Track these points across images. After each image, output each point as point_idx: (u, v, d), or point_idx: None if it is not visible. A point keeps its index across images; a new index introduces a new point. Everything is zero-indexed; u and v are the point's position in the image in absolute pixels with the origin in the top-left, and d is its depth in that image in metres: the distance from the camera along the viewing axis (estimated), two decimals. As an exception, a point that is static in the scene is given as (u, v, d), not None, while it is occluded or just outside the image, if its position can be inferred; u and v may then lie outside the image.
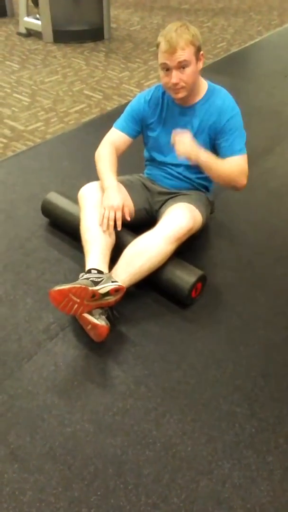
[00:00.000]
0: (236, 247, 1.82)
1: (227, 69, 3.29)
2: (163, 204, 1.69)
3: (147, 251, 1.45)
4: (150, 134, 1.67)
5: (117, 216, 1.49)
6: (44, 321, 1.45)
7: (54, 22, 4.13)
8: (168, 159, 1.67)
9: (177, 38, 1.39)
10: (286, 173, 2.21)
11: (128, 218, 1.52)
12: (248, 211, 2.01)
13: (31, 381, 1.28)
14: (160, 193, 1.71)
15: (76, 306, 1.28)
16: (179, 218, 1.51)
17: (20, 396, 1.25)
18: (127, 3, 5.46)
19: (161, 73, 1.48)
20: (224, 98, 1.55)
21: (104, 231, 1.50)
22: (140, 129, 1.69)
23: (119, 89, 3.48)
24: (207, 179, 1.70)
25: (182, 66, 1.42)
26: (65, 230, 1.78)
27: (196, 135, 1.53)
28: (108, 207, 1.50)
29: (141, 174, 1.80)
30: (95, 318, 1.32)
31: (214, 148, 1.58)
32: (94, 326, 1.31)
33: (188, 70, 1.44)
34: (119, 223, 1.50)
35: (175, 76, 1.43)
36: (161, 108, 1.61)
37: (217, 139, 1.54)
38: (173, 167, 1.68)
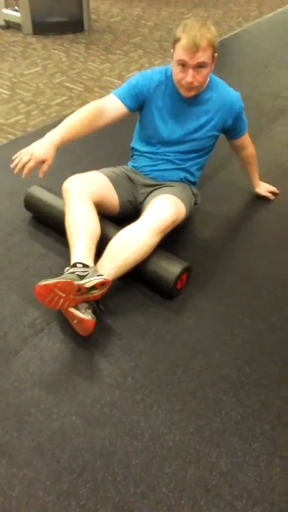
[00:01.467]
0: (220, 238, 1.84)
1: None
2: (147, 196, 1.69)
3: (132, 243, 1.44)
4: (148, 115, 1.64)
5: (28, 164, 1.36)
6: (29, 316, 1.44)
7: (33, 13, 4.04)
8: (159, 146, 1.67)
9: (201, 38, 1.38)
10: (267, 162, 2.23)
11: (41, 175, 1.40)
12: (231, 202, 2.03)
13: (18, 376, 1.27)
14: (145, 185, 1.71)
15: (61, 300, 1.27)
16: (163, 210, 1.51)
17: (7, 391, 1.24)
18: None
19: (176, 68, 1.46)
20: (227, 88, 1.63)
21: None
22: (140, 106, 1.62)
23: (100, 81, 3.44)
24: (193, 171, 1.71)
25: (200, 66, 1.43)
26: (49, 224, 1.76)
27: (192, 133, 1.61)
28: (27, 151, 1.39)
29: (125, 166, 1.79)
30: (81, 312, 1.31)
31: (219, 132, 1.67)
32: (80, 320, 1.31)
33: (204, 71, 1.46)
34: (26, 172, 1.38)
35: (192, 75, 1.44)
36: (163, 94, 1.58)
37: (230, 123, 1.65)
38: (163, 154, 1.68)
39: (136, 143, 1.78)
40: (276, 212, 1.97)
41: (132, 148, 1.80)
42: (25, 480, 1.07)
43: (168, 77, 1.57)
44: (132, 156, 1.81)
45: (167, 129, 1.63)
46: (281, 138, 2.48)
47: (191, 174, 1.73)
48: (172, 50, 1.48)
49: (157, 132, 1.65)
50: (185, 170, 1.71)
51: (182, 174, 1.71)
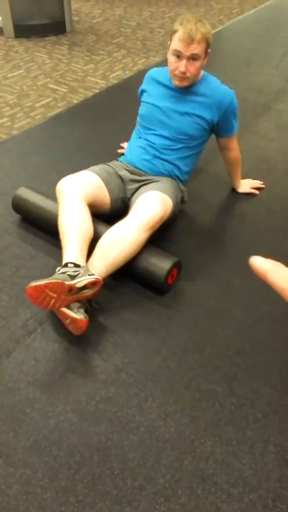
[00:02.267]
0: (210, 232, 1.86)
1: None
2: (134, 192, 1.71)
3: (121, 241, 1.45)
4: (144, 99, 1.76)
5: None
6: (21, 317, 1.44)
7: (14, 17, 4.03)
8: (149, 132, 1.73)
9: (196, 31, 1.49)
10: (253, 158, 2.25)
11: None
12: (220, 196, 2.05)
13: (12, 377, 1.28)
14: (132, 180, 1.72)
15: (53, 301, 1.28)
16: (150, 207, 1.52)
17: (1, 393, 1.24)
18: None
19: (172, 58, 1.57)
20: (221, 88, 1.69)
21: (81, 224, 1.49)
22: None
23: (84, 82, 3.45)
24: (180, 165, 1.74)
25: (193, 58, 1.53)
26: (38, 225, 1.76)
27: (183, 115, 1.67)
28: None
29: (114, 162, 1.80)
30: (74, 312, 1.32)
31: (209, 127, 1.70)
32: (73, 320, 1.31)
33: (197, 63, 1.56)
34: None
35: (185, 66, 1.54)
36: (159, 84, 1.72)
37: (217, 118, 1.68)
38: (152, 141, 1.72)
39: (130, 140, 1.84)
40: (265, 206, 1.99)
41: (127, 147, 1.85)
42: (22, 478, 1.08)
43: (164, 72, 1.70)
44: (128, 147, 1.87)
45: (159, 106, 1.70)
46: (266, 133, 2.52)
47: (178, 168, 1.74)
48: (169, 42, 1.59)
49: (148, 110, 1.72)
50: (171, 163, 1.72)
51: (169, 167, 1.73)
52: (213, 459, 1.13)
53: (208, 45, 1.56)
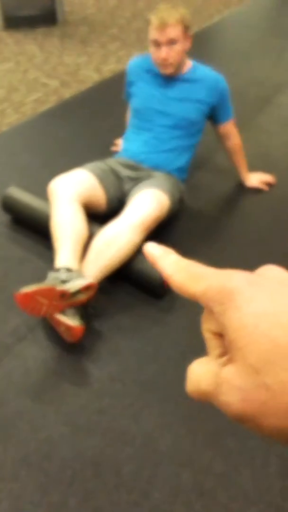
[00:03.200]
0: (208, 233, 1.80)
1: (189, 50, 3.22)
2: (130, 189, 1.65)
3: (116, 242, 1.40)
4: (136, 90, 1.73)
5: None
6: (11, 323, 1.38)
7: (3, 7, 3.93)
8: (145, 121, 1.71)
9: (168, 16, 1.51)
10: (254, 153, 2.19)
11: None
12: (218, 196, 1.99)
13: (1, 387, 1.23)
14: (129, 177, 1.68)
15: (44, 308, 1.23)
16: (145, 205, 1.47)
17: (-10, 404, 1.19)
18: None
19: (152, 49, 1.58)
20: (211, 72, 1.68)
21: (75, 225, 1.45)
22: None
23: (77, 75, 3.36)
24: (178, 154, 1.70)
25: (171, 42, 1.53)
26: (30, 226, 1.70)
27: (181, 100, 1.65)
28: None
29: (110, 159, 1.74)
30: (69, 318, 1.26)
31: (208, 110, 1.69)
32: (68, 327, 1.26)
33: (177, 47, 1.55)
34: None
35: (164, 51, 1.54)
36: (148, 74, 1.70)
37: (215, 101, 1.68)
38: (149, 130, 1.70)
39: (126, 135, 1.80)
40: (266, 205, 1.93)
41: (123, 144, 1.81)
42: (12, 493, 1.03)
43: (148, 59, 1.67)
44: (124, 138, 1.83)
45: (153, 95, 1.68)
46: (267, 127, 2.45)
47: (177, 159, 1.70)
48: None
49: (143, 101, 1.69)
50: (171, 153, 1.68)
51: (169, 158, 1.68)
52: (212, 472, 1.08)
53: (185, 27, 1.55)
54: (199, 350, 1.29)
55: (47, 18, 4.12)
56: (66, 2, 4.48)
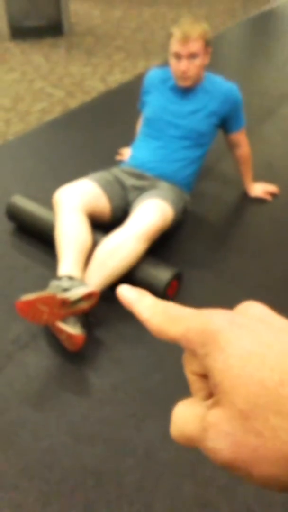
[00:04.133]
0: (211, 243, 1.80)
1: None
2: (134, 199, 1.66)
3: (119, 251, 1.40)
4: (151, 99, 1.76)
5: None
6: (13, 331, 1.38)
7: (10, 18, 3.99)
8: (155, 130, 1.73)
9: (191, 30, 1.54)
10: (257, 163, 2.20)
11: None
12: (222, 205, 2.00)
13: (2, 395, 1.22)
14: (134, 187, 1.68)
15: (46, 316, 1.23)
16: (149, 216, 1.47)
17: (-8, 412, 1.18)
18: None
19: (172, 60, 1.61)
20: (225, 82, 1.71)
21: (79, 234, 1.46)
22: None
23: (82, 85, 3.40)
24: (185, 164, 1.71)
25: (192, 56, 1.57)
26: (33, 234, 1.71)
27: (194, 113, 1.69)
28: None
29: (114, 168, 1.76)
30: (70, 327, 1.26)
31: (218, 121, 1.72)
32: (69, 336, 1.26)
33: (197, 61, 1.59)
34: None
35: (185, 65, 1.57)
36: (164, 86, 1.73)
37: (227, 110, 1.71)
38: (158, 139, 1.72)
39: (135, 143, 1.82)
40: (269, 215, 1.94)
41: (132, 151, 1.84)
42: (13, 503, 1.02)
43: (169, 73, 1.72)
44: (133, 147, 1.85)
45: (167, 107, 1.71)
46: (270, 138, 2.46)
47: (184, 170, 1.71)
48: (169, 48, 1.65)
49: (156, 111, 1.72)
50: (179, 163, 1.70)
51: (176, 168, 1.70)
52: (215, 484, 1.07)
53: (206, 43, 1.59)
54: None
55: (53, 29, 4.18)
56: (72, 13, 4.55)
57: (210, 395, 0.22)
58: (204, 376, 0.23)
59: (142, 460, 1.10)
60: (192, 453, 1.12)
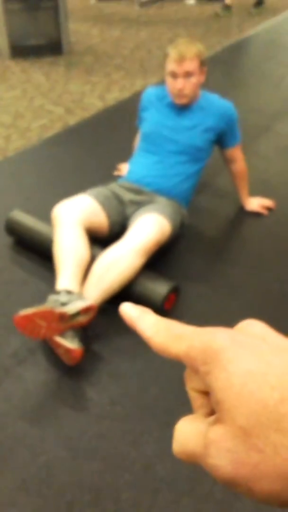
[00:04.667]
0: (208, 255, 1.82)
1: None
2: (132, 214, 1.68)
3: (117, 265, 1.42)
4: (147, 115, 1.81)
5: None
6: (11, 346, 1.39)
7: (10, 37, 4.08)
8: (152, 146, 1.77)
9: (186, 50, 1.59)
10: (253, 179, 2.23)
11: None
12: (219, 219, 2.02)
13: (0, 410, 1.22)
14: (132, 201, 1.71)
15: (43, 330, 1.23)
16: (147, 230, 1.49)
17: (-11, 427, 1.18)
18: (85, 16, 5.49)
19: (169, 79, 1.66)
20: (220, 100, 1.77)
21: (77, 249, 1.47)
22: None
23: (81, 103, 3.46)
24: (181, 179, 1.74)
25: (187, 75, 1.62)
26: (32, 248, 1.73)
27: (191, 129, 1.73)
28: None
29: (113, 184, 1.78)
30: (68, 341, 1.27)
31: (215, 136, 1.76)
32: (67, 350, 1.26)
33: (193, 80, 1.64)
34: None
35: (181, 83, 1.62)
36: (161, 103, 1.78)
37: (223, 126, 1.75)
38: (155, 154, 1.76)
39: (132, 158, 1.87)
40: (265, 230, 1.96)
41: (129, 166, 1.87)
42: (10, 522, 1.01)
43: (165, 91, 1.76)
44: (130, 162, 1.88)
45: (164, 123, 1.75)
46: (265, 154, 2.51)
47: (182, 184, 1.74)
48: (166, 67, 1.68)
49: (153, 127, 1.76)
50: (176, 178, 1.72)
51: (174, 183, 1.72)
52: (212, 499, 1.06)
53: (201, 62, 1.64)
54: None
55: (53, 48, 4.27)
56: (71, 32, 4.65)
57: (211, 412, 0.23)
58: (206, 393, 0.23)
59: (140, 476, 1.10)
60: (189, 469, 1.12)
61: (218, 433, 0.20)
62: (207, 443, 0.20)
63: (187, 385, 0.25)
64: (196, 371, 0.22)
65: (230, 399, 0.19)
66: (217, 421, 0.20)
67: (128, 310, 0.26)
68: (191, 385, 0.24)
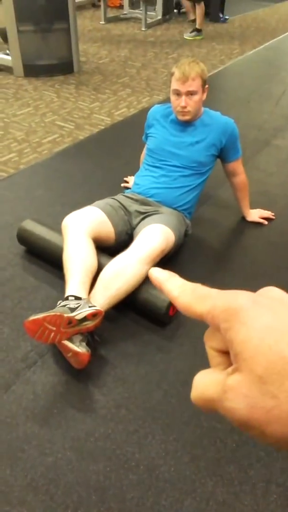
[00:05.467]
0: (209, 265, 1.87)
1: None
2: (138, 223, 1.74)
3: (123, 273, 1.47)
4: (153, 132, 1.89)
5: None
6: (22, 350, 1.44)
7: (23, 57, 4.24)
8: (157, 160, 1.84)
9: (190, 70, 1.68)
10: (254, 191, 2.29)
11: None
12: (220, 229, 2.08)
13: (10, 412, 1.27)
14: (138, 212, 1.77)
15: (52, 334, 1.28)
16: (152, 240, 1.55)
17: (-1, 428, 1.23)
18: (95, 37, 5.68)
19: (173, 97, 1.75)
20: (222, 117, 1.86)
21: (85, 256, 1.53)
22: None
23: (90, 119, 3.58)
24: (184, 192, 1.80)
25: (191, 93, 1.70)
26: (42, 256, 1.79)
27: (194, 145, 1.80)
28: None
29: (119, 196, 1.85)
30: (76, 345, 1.31)
31: (217, 151, 1.83)
32: (75, 354, 1.31)
33: (195, 98, 1.73)
34: None
35: (184, 101, 1.71)
36: (166, 120, 1.86)
37: (224, 142, 1.82)
38: (160, 168, 1.83)
39: (139, 171, 1.94)
40: (266, 240, 2.01)
41: (135, 179, 1.94)
42: (18, 519, 1.05)
43: (170, 109, 1.84)
44: (136, 176, 1.95)
45: (168, 139, 1.83)
46: (266, 167, 2.58)
47: (186, 197, 1.80)
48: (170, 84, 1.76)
49: (159, 143, 1.83)
50: (178, 189, 1.79)
51: (178, 195, 1.79)
52: (214, 500, 1.09)
53: (203, 81, 1.73)
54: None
55: (64, 67, 4.42)
56: (81, 53, 4.81)
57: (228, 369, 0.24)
58: (224, 353, 0.25)
59: (144, 477, 1.13)
60: (193, 469, 1.15)
61: (236, 380, 0.21)
62: (225, 389, 0.22)
63: (206, 344, 0.26)
64: (217, 328, 0.23)
65: (248, 351, 0.21)
66: (235, 370, 0.22)
67: (157, 273, 0.28)
68: (211, 344, 0.26)
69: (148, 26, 6.15)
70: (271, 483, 1.12)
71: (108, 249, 1.70)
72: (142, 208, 1.77)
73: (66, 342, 1.32)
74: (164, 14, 6.45)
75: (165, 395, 1.32)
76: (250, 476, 1.14)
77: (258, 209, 2.11)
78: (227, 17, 6.69)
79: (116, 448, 1.19)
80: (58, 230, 1.68)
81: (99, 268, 1.53)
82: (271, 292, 0.25)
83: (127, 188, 2.08)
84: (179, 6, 6.74)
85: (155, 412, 1.28)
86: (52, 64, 4.36)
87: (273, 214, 2.11)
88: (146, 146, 1.95)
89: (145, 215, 1.75)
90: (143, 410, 1.28)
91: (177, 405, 1.30)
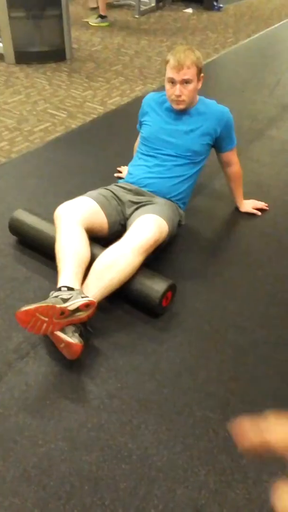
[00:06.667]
0: (204, 256, 1.87)
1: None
2: (132, 213, 1.73)
3: (116, 264, 1.46)
4: (147, 120, 1.86)
5: None
6: (14, 341, 1.43)
7: (15, 43, 4.16)
8: (151, 149, 1.82)
9: (185, 58, 1.64)
10: (247, 181, 2.28)
11: None
12: (214, 220, 2.07)
13: (2, 403, 1.26)
14: (131, 201, 1.75)
15: (45, 325, 1.27)
16: (145, 230, 1.54)
17: (-9, 419, 1.22)
18: (87, 24, 5.58)
19: (167, 85, 1.72)
20: (217, 105, 1.83)
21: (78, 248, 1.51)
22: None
23: (83, 107, 3.53)
24: (179, 182, 1.79)
25: (185, 82, 1.67)
26: (34, 247, 1.77)
27: (188, 133, 1.78)
28: None
29: (112, 186, 1.83)
30: (68, 336, 1.31)
31: (212, 141, 1.81)
32: (68, 344, 1.30)
33: (190, 86, 1.69)
34: None
35: (179, 89, 1.67)
36: (160, 107, 1.83)
37: (219, 131, 1.80)
38: (154, 158, 1.81)
39: (132, 160, 1.92)
40: (259, 230, 2.01)
41: (129, 168, 1.92)
42: (12, 508, 1.05)
43: (165, 97, 1.80)
44: (130, 166, 1.92)
45: (163, 127, 1.80)
46: (259, 158, 2.57)
47: (180, 187, 1.79)
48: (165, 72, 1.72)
49: (153, 131, 1.81)
50: (173, 178, 1.78)
51: (172, 185, 1.77)
52: (207, 489, 1.10)
53: (198, 70, 1.69)
54: (194, 368, 1.37)
55: (56, 55, 4.34)
56: (74, 40, 4.73)
57: None
58: None
59: (137, 466, 1.14)
60: (185, 459, 1.16)
61: None
62: None
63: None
64: None
65: None
66: None
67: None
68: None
69: (142, 13, 6.05)
70: (262, 472, 1.13)
71: (101, 239, 1.68)
72: (136, 198, 1.76)
73: (59, 333, 1.31)
74: (157, 1, 6.35)
75: (158, 385, 1.33)
76: (242, 465, 1.15)
77: (252, 200, 2.10)
78: (221, 5, 6.60)
79: (109, 438, 1.19)
80: (50, 220, 1.66)
81: (92, 259, 1.52)
82: None
83: (121, 178, 2.05)
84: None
85: (148, 402, 1.28)
86: (44, 51, 4.28)
87: (266, 205, 2.11)
88: (140, 134, 1.93)
89: (139, 205, 1.73)
90: (136, 401, 1.28)
91: (169, 395, 1.30)
